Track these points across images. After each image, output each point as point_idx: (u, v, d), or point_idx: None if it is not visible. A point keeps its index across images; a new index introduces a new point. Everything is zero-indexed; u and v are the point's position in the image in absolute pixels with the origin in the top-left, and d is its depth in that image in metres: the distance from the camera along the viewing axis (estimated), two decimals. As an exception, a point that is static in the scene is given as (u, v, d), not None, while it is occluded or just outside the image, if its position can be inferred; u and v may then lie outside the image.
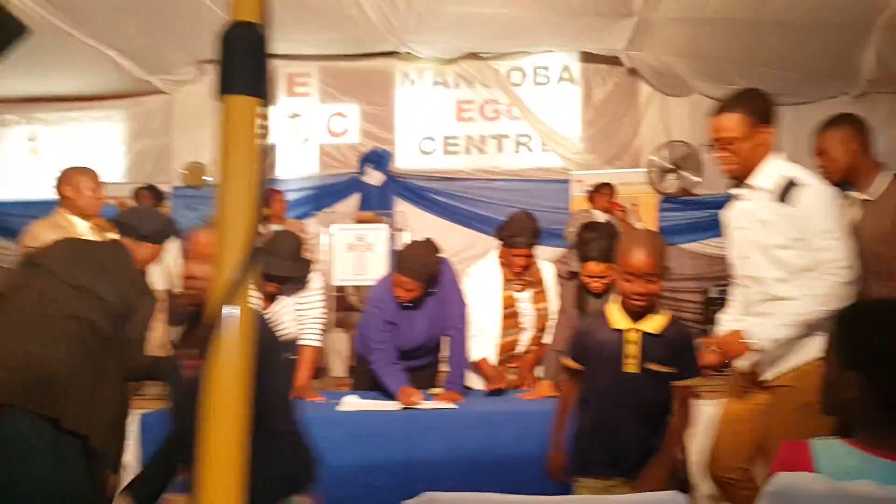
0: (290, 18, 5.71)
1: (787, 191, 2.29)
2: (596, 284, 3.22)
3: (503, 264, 3.41)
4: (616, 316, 2.25)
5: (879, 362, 1.33)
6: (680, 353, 2.19)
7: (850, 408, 1.37)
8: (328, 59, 6.84)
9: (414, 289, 3.12)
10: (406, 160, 7.05)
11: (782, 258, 2.32)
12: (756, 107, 2.37)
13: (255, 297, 3.00)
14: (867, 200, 2.57)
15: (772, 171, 2.35)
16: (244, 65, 0.81)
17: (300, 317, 3.38)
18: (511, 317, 3.42)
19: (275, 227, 4.91)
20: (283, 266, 3.17)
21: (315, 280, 3.41)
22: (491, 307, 3.39)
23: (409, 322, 3.24)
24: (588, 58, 6.72)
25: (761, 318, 2.36)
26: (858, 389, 1.34)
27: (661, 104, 6.69)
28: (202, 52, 6.63)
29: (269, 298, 3.30)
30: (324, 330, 3.48)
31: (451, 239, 6.56)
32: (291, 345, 3.38)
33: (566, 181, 6.70)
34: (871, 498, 1.22)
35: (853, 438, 1.35)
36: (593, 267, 3.17)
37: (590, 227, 3.40)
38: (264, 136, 0.80)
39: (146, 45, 6.14)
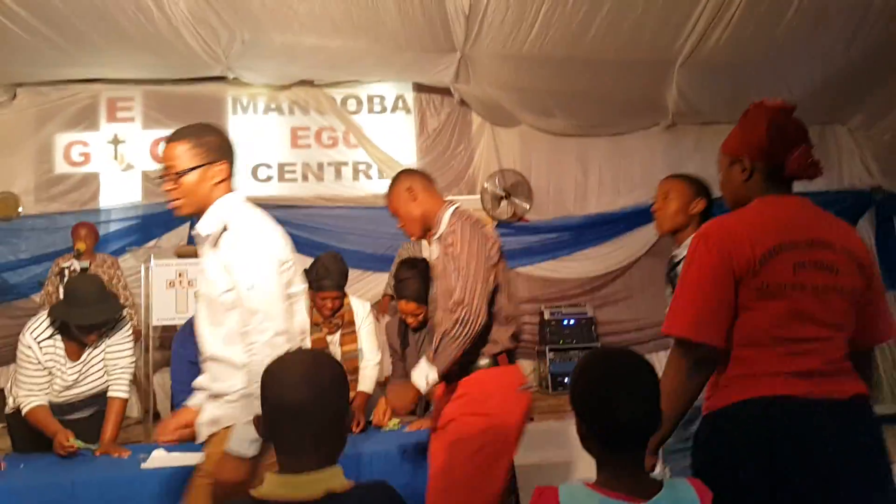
0: (104, 43, 5.41)
1: (220, 236, 2.02)
2: (411, 321, 3.32)
3: (312, 307, 3.40)
4: None
5: (584, 406, 1.45)
6: None
7: (590, 452, 1.46)
8: (152, 83, 6.51)
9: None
10: (240, 187, 6.82)
11: (225, 314, 2.00)
12: (206, 140, 2.08)
13: (58, 352, 2.71)
14: (439, 237, 2.52)
15: (217, 214, 2.05)
16: None
17: (109, 365, 3.19)
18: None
19: (81, 265, 4.60)
20: (89, 313, 3.00)
21: (125, 326, 3.24)
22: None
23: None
24: (422, 88, 6.83)
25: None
26: (582, 434, 1.45)
27: (493, 134, 6.89)
28: (14, 75, 6.16)
29: (81, 347, 3.09)
30: (132, 380, 3.31)
31: (289, 269, 6.45)
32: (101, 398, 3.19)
33: (407, 208, 6.75)
34: None
35: (594, 482, 1.42)
36: (404, 306, 3.27)
37: (406, 264, 3.45)
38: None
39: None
